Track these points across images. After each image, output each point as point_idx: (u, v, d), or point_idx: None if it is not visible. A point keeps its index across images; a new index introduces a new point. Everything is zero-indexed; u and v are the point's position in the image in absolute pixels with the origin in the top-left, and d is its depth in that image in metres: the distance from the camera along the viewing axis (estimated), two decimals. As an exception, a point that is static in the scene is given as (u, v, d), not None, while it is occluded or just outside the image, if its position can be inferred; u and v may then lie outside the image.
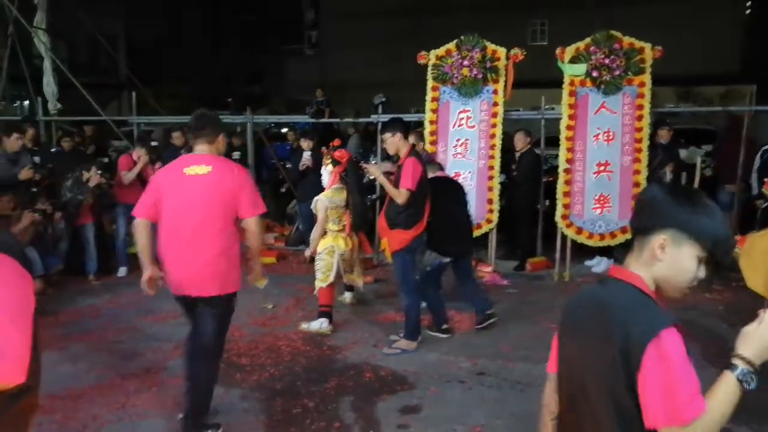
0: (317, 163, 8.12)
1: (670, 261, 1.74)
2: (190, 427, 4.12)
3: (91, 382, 5.00)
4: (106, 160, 11.30)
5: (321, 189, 6.41)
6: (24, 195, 7.16)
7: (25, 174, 7.20)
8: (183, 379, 4.21)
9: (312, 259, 6.48)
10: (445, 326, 6.06)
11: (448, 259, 6.01)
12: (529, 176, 8.37)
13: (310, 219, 7.15)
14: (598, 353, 1.76)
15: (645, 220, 1.79)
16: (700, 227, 1.71)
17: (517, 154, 8.52)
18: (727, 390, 1.64)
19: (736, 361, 1.65)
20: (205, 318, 4.06)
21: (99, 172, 7.91)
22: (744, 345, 1.66)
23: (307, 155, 8.75)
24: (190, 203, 3.96)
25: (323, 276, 6.17)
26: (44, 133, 11.20)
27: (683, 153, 9.73)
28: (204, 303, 4.02)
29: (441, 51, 8.37)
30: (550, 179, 8.78)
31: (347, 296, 7.05)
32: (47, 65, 11.95)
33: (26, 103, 22.64)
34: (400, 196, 5.44)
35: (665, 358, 1.63)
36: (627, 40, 7.68)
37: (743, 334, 1.67)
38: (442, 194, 5.86)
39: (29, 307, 1.74)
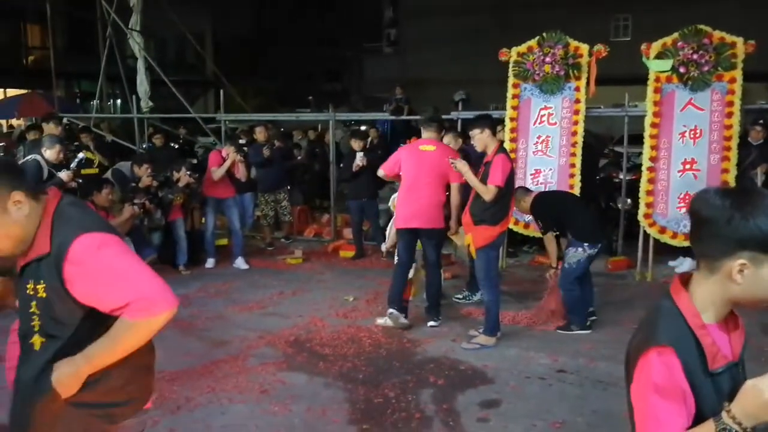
0: (371, 163, 8.25)
1: (752, 282, 1.51)
2: (432, 309, 6.28)
3: (183, 366, 5.22)
4: (194, 161, 11.71)
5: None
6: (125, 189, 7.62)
7: (145, 182, 7.84)
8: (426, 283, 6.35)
9: (389, 253, 6.57)
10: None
11: (595, 250, 5.88)
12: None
13: (387, 214, 7.91)
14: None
15: (714, 245, 1.54)
16: None
17: None
18: None
19: (724, 412, 1.48)
20: (430, 247, 6.19)
21: (188, 172, 8.24)
22: (737, 399, 1.47)
23: (360, 155, 8.84)
24: (423, 169, 6.00)
25: None
26: (137, 129, 11.75)
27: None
28: (425, 234, 6.09)
29: (522, 48, 8.30)
30: (633, 177, 8.63)
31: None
32: (140, 65, 12.52)
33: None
34: (487, 192, 5.45)
35: (645, 380, 1.56)
36: (717, 34, 7.40)
37: (743, 387, 1.48)
38: (563, 199, 6.50)
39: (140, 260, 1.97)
